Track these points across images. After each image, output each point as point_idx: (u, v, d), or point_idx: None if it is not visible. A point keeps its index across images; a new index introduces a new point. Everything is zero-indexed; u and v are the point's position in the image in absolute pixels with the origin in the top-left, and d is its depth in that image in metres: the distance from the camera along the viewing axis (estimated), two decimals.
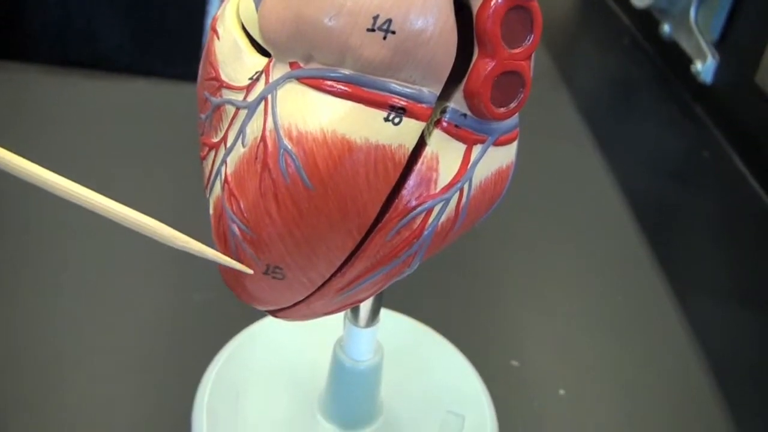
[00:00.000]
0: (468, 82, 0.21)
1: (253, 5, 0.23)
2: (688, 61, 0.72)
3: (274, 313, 0.25)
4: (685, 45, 0.73)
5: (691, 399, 0.43)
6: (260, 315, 0.41)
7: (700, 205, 0.61)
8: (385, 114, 0.20)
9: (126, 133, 0.57)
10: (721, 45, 0.69)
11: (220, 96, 0.23)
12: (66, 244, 0.45)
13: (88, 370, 0.38)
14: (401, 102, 0.20)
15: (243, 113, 0.22)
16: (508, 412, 0.39)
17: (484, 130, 0.22)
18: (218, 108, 0.23)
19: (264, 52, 0.23)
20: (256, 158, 0.21)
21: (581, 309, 0.47)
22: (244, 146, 0.22)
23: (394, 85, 0.20)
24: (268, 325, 0.40)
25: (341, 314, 0.33)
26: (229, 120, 0.23)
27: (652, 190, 0.61)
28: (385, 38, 0.19)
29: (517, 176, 0.63)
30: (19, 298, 0.41)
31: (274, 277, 0.23)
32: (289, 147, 0.20)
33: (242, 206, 0.22)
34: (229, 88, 0.23)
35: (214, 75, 0.23)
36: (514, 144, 0.24)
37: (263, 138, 0.21)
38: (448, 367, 0.40)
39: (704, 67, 0.69)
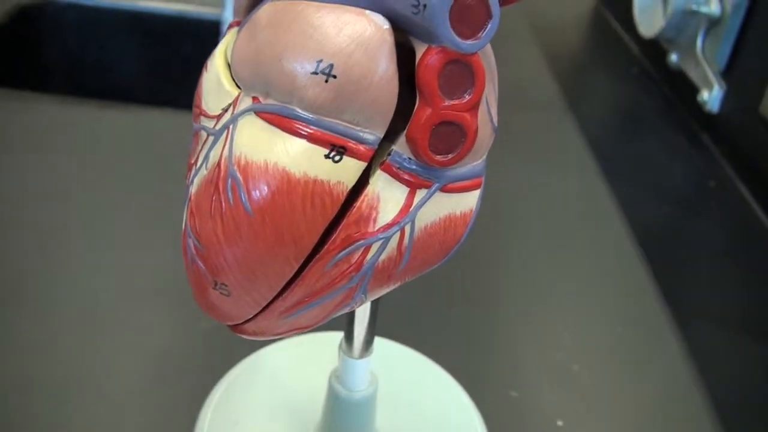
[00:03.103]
0: (409, 129, 0.22)
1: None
2: (694, 91, 0.72)
3: (231, 327, 0.27)
4: (692, 74, 0.73)
5: (691, 429, 0.43)
6: (260, 345, 0.42)
7: (706, 234, 0.61)
8: (325, 151, 0.22)
9: (140, 162, 0.58)
10: (727, 74, 0.69)
11: (199, 122, 0.25)
12: (74, 267, 0.46)
13: (91, 395, 0.39)
14: (341, 141, 0.22)
15: (210, 139, 0.24)
16: None
17: (429, 176, 0.23)
18: (196, 133, 0.25)
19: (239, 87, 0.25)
20: (211, 181, 0.23)
21: (581, 339, 0.48)
22: (206, 169, 0.23)
23: (338, 126, 0.21)
24: (267, 354, 0.41)
25: (336, 345, 0.33)
26: (201, 145, 0.25)
27: (658, 219, 0.62)
28: (326, 81, 0.21)
29: (520, 204, 0.63)
30: (26, 320, 0.42)
31: (221, 293, 0.24)
32: (236, 174, 0.22)
33: (197, 223, 0.24)
34: (205, 116, 0.25)
35: (197, 103, 0.25)
36: (474, 193, 0.24)
37: (219, 163, 0.23)
38: (444, 396, 0.40)
39: (711, 96, 0.69)
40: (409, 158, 0.22)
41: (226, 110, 0.24)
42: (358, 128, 0.22)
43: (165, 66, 0.79)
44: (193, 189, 0.24)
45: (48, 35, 0.77)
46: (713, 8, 0.69)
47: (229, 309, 0.25)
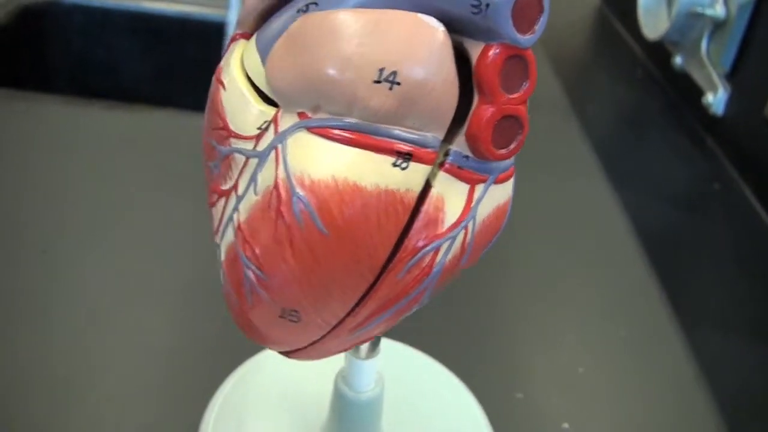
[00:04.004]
0: (469, 127, 0.22)
1: (258, 58, 0.24)
2: (699, 93, 0.72)
3: (288, 353, 0.26)
4: (697, 77, 0.73)
5: None
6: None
7: (710, 237, 0.61)
8: (392, 160, 0.21)
9: (145, 163, 0.58)
10: (732, 77, 0.69)
11: (229, 145, 0.24)
12: (78, 267, 0.46)
13: (96, 394, 0.39)
14: (407, 148, 0.21)
15: (254, 162, 0.23)
16: None
17: (485, 170, 0.23)
18: (227, 157, 0.24)
19: (270, 102, 0.23)
20: (270, 206, 0.22)
21: (586, 341, 0.48)
22: (256, 194, 0.22)
23: (400, 132, 0.21)
24: (272, 355, 0.41)
25: None
26: (239, 169, 0.23)
27: (662, 221, 0.62)
28: (391, 89, 0.20)
29: (525, 206, 0.63)
30: (30, 320, 0.42)
31: (290, 320, 0.24)
32: (302, 194, 0.21)
33: (257, 252, 0.23)
34: (238, 137, 0.23)
35: (222, 125, 0.24)
36: (512, 180, 0.25)
37: (276, 186, 0.22)
38: (450, 398, 0.40)
39: (715, 99, 0.69)
40: (467, 156, 0.22)
41: (265, 129, 0.23)
42: (420, 132, 0.21)
43: (169, 67, 0.79)
44: (241, 216, 0.23)
45: (53, 36, 0.77)
46: (718, 10, 0.69)
47: (294, 336, 0.24)
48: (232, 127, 0.24)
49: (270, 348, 0.26)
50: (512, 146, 0.22)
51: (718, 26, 0.70)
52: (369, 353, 0.33)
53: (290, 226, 0.22)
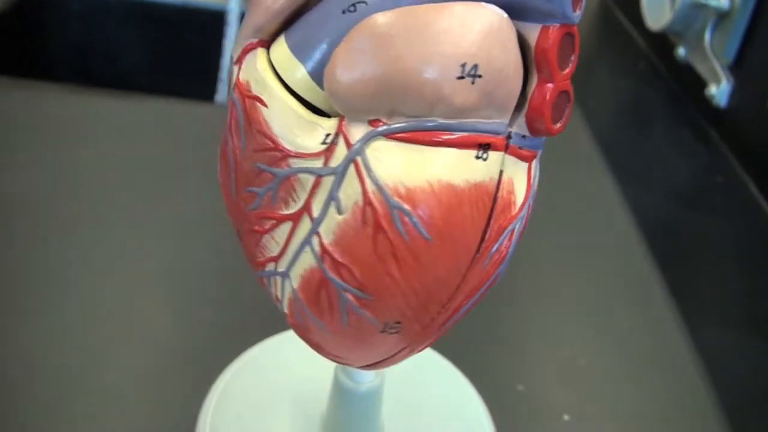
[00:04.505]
0: (531, 107, 0.22)
1: (300, 67, 0.22)
2: (702, 85, 0.71)
3: (373, 365, 0.26)
4: (700, 68, 0.73)
5: (698, 428, 0.42)
6: (264, 336, 0.41)
7: (712, 229, 0.60)
8: (475, 153, 0.21)
9: (145, 151, 0.58)
10: (735, 69, 0.69)
11: (288, 166, 0.22)
12: (78, 256, 0.46)
13: (95, 384, 0.39)
14: (486, 138, 0.21)
15: (329, 180, 0.22)
16: None
17: (537, 146, 0.23)
18: (288, 179, 0.22)
19: (318, 112, 0.22)
20: (364, 223, 0.21)
21: (588, 333, 0.47)
22: (341, 213, 0.22)
23: (477, 124, 0.21)
24: (271, 346, 0.40)
25: None
26: (308, 190, 0.22)
27: (664, 214, 0.61)
28: (473, 83, 0.20)
29: None
30: (29, 311, 0.42)
31: (390, 333, 0.23)
32: (401, 204, 0.21)
33: (356, 273, 0.22)
34: (300, 156, 0.22)
35: (272, 145, 0.22)
36: None
37: (368, 201, 0.21)
38: (450, 390, 0.40)
39: (719, 90, 0.69)
40: (524, 135, 0.22)
41: (332, 143, 0.22)
42: (492, 121, 0.21)
43: (169, 55, 0.79)
44: (325, 239, 0.22)
45: (52, 24, 0.77)
46: (722, 1, 0.69)
47: (390, 346, 0.24)
48: (287, 146, 0.22)
49: (356, 365, 0.26)
50: (564, 119, 0.23)
51: (721, 17, 0.70)
52: None
53: (392, 240, 0.21)
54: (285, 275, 0.24)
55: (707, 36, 0.71)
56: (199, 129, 0.61)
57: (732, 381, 0.46)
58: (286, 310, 0.25)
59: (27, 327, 0.41)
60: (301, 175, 0.22)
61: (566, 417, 0.41)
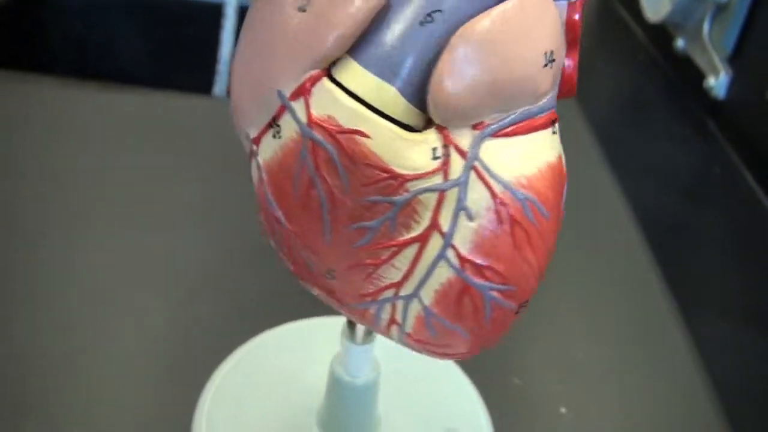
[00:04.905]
0: (566, 74, 0.23)
1: (393, 91, 0.22)
2: (701, 77, 0.71)
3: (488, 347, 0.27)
4: (699, 60, 0.73)
5: (695, 421, 0.42)
6: (260, 330, 0.41)
7: (710, 221, 0.60)
8: (551, 129, 0.23)
9: (143, 144, 0.58)
10: (734, 60, 0.68)
11: (406, 191, 0.22)
12: (77, 249, 0.46)
13: (93, 376, 0.39)
14: (555, 115, 0.23)
15: (453, 193, 0.22)
16: (508, 430, 0.39)
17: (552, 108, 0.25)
18: (408, 204, 0.22)
19: (404, 126, 0.22)
20: (500, 221, 0.22)
21: (585, 327, 0.47)
22: (473, 220, 0.22)
23: (545, 104, 0.23)
24: (268, 340, 0.41)
25: (338, 330, 0.33)
26: (432, 207, 0.22)
27: (662, 205, 0.61)
28: (551, 68, 0.22)
29: None
30: (26, 305, 0.42)
31: (521, 312, 0.24)
32: (529, 195, 0.22)
33: (500, 270, 0.23)
34: (417, 178, 0.22)
35: (386, 175, 0.22)
36: None
37: (499, 202, 0.22)
38: (447, 383, 0.40)
39: (717, 82, 0.69)
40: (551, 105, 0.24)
41: (445, 155, 0.22)
42: (549, 96, 0.23)
43: (167, 48, 0.79)
44: (462, 249, 0.23)
45: (51, 17, 0.77)
46: None
47: (512, 324, 0.25)
48: (401, 171, 0.22)
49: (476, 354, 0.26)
50: None
51: (720, 8, 0.70)
52: (365, 338, 0.33)
53: (527, 229, 0.23)
54: (411, 297, 0.24)
55: (706, 28, 0.71)
56: (197, 122, 0.61)
57: (729, 373, 0.46)
58: (409, 331, 0.25)
59: (23, 319, 0.41)
60: (422, 196, 0.22)
61: (563, 410, 0.41)
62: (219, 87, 0.75)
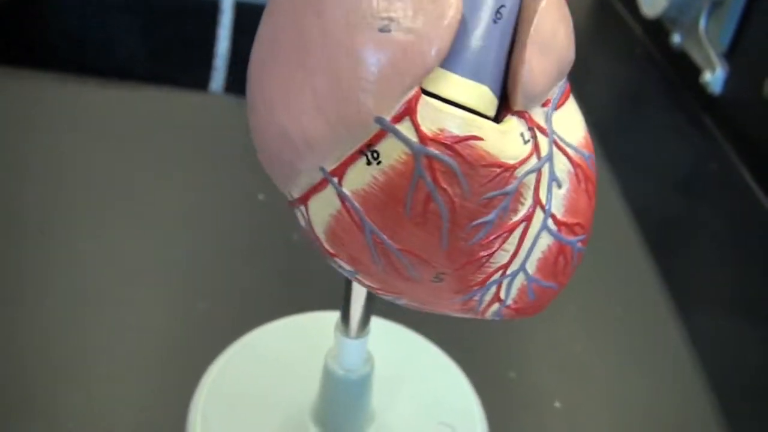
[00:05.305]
0: None
1: (485, 90, 0.23)
2: (697, 72, 0.71)
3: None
4: (695, 55, 0.73)
5: (690, 414, 0.43)
6: (256, 325, 0.42)
7: (706, 216, 0.60)
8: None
9: (141, 140, 0.58)
10: (730, 56, 0.68)
11: (515, 178, 0.23)
12: (76, 246, 0.46)
13: (91, 374, 0.39)
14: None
15: (546, 168, 0.24)
16: (502, 424, 0.39)
17: None
18: (517, 190, 0.24)
19: (478, 114, 0.23)
20: (579, 182, 0.26)
21: (581, 321, 0.48)
22: (561, 186, 0.25)
23: None
24: (261, 335, 0.41)
25: (332, 325, 0.33)
26: (533, 186, 0.24)
27: (658, 200, 0.61)
28: (573, 42, 0.25)
29: None
30: (25, 299, 0.42)
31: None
32: (589, 153, 0.26)
33: (583, 223, 0.26)
34: (521, 163, 0.23)
35: (500, 169, 0.23)
36: None
37: (576, 164, 0.25)
38: (441, 377, 0.40)
39: (713, 77, 0.69)
40: None
41: (533, 137, 0.24)
42: None
43: (164, 44, 0.79)
44: (560, 214, 0.25)
45: (49, 13, 0.77)
46: None
47: None
48: (510, 161, 0.23)
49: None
50: None
51: (716, 4, 0.70)
52: (359, 332, 0.33)
53: (592, 181, 0.26)
54: (517, 272, 0.25)
55: (702, 23, 0.71)
56: (193, 117, 0.62)
57: (725, 367, 0.46)
58: (510, 303, 0.26)
59: (21, 316, 0.42)
60: (527, 178, 0.24)
61: (557, 404, 0.42)
62: (216, 83, 0.75)
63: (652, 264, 0.53)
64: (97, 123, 0.59)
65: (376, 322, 0.42)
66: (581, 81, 0.78)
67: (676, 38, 0.76)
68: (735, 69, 0.68)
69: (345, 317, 0.32)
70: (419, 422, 0.37)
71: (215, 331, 0.41)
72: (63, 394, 0.38)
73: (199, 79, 0.76)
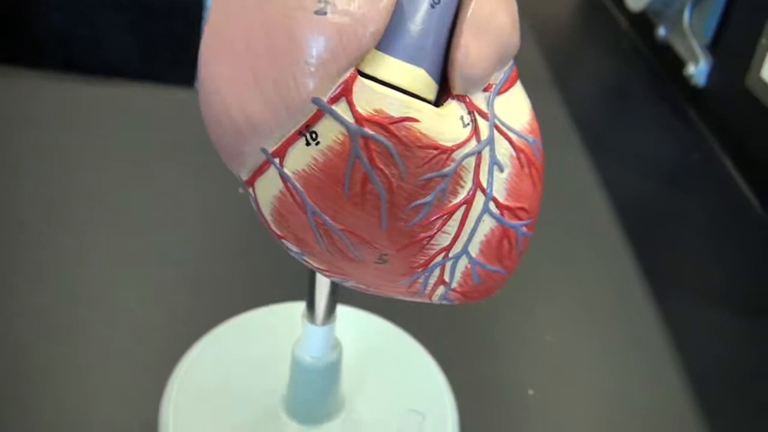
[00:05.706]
0: None
1: (422, 73, 0.23)
2: (682, 64, 0.72)
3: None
4: (680, 48, 0.73)
5: (666, 402, 0.43)
6: (229, 316, 0.42)
7: (688, 208, 0.61)
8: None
9: (129, 138, 0.58)
10: (714, 48, 0.69)
11: (453, 160, 0.24)
12: (58, 241, 0.47)
13: (70, 367, 0.39)
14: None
15: (486, 151, 0.24)
16: (474, 411, 0.39)
17: None
18: (455, 172, 0.24)
19: (419, 98, 0.23)
20: (522, 166, 0.25)
21: (556, 310, 0.48)
22: (503, 170, 0.25)
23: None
24: (232, 327, 0.41)
25: (299, 315, 0.34)
26: (472, 169, 0.24)
27: (641, 192, 0.62)
28: (518, 28, 0.25)
29: None
30: (6, 293, 0.43)
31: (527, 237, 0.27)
32: (533, 138, 0.26)
33: (527, 207, 0.26)
34: (459, 146, 0.23)
35: (437, 152, 0.23)
36: None
37: (518, 149, 0.25)
38: (412, 365, 0.40)
39: (697, 69, 0.69)
40: None
41: (473, 121, 0.24)
42: None
43: (154, 42, 0.79)
44: (501, 198, 0.25)
45: (35, 10, 0.77)
46: None
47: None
48: (448, 144, 0.23)
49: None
50: None
51: None
52: (325, 319, 0.33)
53: (537, 167, 0.26)
54: (459, 255, 0.26)
55: (686, 16, 0.71)
56: (183, 114, 0.62)
57: (702, 358, 0.46)
58: (455, 286, 0.26)
59: (2, 310, 0.42)
60: (465, 162, 0.24)
61: (531, 392, 0.42)
62: None
63: (631, 253, 0.53)
64: (85, 120, 0.60)
65: (347, 311, 0.43)
66: (567, 73, 0.79)
67: (660, 31, 0.76)
68: (718, 61, 0.68)
69: (311, 304, 0.33)
70: (389, 409, 0.37)
71: (197, 324, 0.42)
72: (38, 385, 0.38)
73: (187, 76, 0.76)
